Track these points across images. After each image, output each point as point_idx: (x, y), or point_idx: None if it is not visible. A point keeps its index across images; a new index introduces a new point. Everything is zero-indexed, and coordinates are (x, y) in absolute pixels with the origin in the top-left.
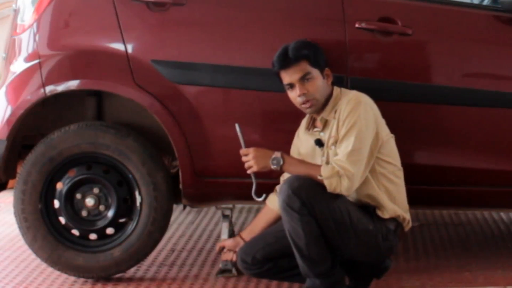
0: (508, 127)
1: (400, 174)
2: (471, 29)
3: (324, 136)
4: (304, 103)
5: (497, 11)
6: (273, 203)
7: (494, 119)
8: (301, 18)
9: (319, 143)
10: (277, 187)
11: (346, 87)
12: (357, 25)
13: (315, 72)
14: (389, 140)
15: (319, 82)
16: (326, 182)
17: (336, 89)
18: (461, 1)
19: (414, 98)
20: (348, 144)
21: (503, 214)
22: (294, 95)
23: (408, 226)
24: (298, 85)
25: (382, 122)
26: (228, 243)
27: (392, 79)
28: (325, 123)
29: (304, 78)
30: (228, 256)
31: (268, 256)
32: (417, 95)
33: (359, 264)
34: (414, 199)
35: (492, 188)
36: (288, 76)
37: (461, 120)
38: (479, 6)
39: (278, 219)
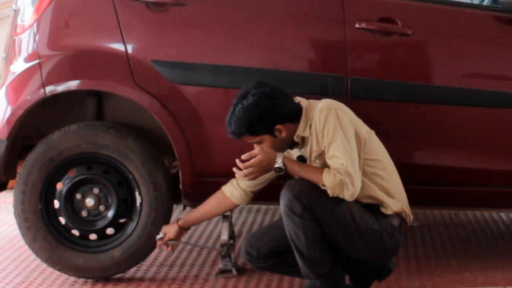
0: (508, 127)
1: (391, 167)
2: (471, 29)
3: (305, 152)
4: None
5: (497, 11)
6: (230, 192)
7: (494, 119)
8: (301, 18)
9: (302, 159)
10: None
11: (346, 87)
12: (357, 25)
13: (262, 137)
14: (370, 137)
15: (269, 143)
16: (329, 191)
17: (303, 103)
18: (461, 1)
19: (414, 98)
20: (338, 152)
21: (503, 214)
22: None
23: (410, 220)
24: (254, 146)
25: (358, 121)
26: (171, 233)
27: (392, 79)
28: (303, 140)
29: (255, 143)
30: (165, 245)
31: (274, 250)
32: (417, 95)
33: (362, 265)
34: (414, 199)
35: (492, 188)
36: None
37: (461, 120)
38: (479, 6)
39: (225, 210)
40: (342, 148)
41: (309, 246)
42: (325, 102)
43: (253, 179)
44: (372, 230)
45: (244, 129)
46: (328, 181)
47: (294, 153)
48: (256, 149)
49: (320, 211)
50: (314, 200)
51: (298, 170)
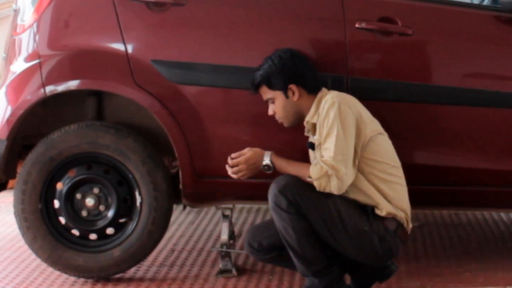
0: (508, 127)
1: (395, 171)
2: (471, 29)
3: (315, 140)
4: (277, 120)
5: (497, 11)
6: None
7: (494, 119)
8: (301, 18)
9: (312, 146)
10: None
11: (346, 87)
12: (357, 25)
13: (276, 94)
14: (375, 137)
15: (280, 103)
16: (315, 183)
17: (322, 92)
18: (461, 1)
19: (414, 98)
20: (331, 145)
21: (503, 215)
22: None
23: (409, 227)
24: (269, 106)
25: (366, 119)
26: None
27: (392, 79)
28: (313, 127)
29: (269, 101)
30: None
31: (275, 244)
32: (417, 95)
33: (362, 265)
34: (414, 199)
35: (492, 188)
36: None
37: (461, 120)
38: (479, 6)
39: None
40: (336, 141)
41: (299, 241)
42: (332, 95)
43: (242, 177)
44: (361, 231)
45: (262, 79)
46: (314, 173)
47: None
48: (243, 156)
49: (305, 205)
50: (299, 195)
51: (286, 167)
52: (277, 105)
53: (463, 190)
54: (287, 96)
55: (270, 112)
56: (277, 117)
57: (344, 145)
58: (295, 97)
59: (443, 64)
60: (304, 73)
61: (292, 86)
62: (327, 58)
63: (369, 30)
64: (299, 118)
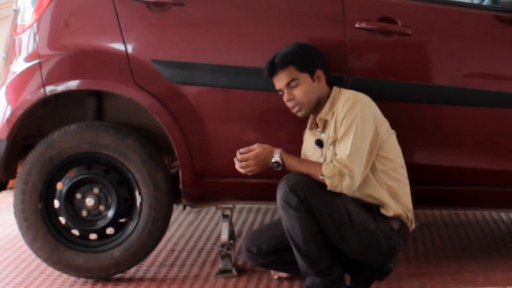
0: (508, 127)
1: (403, 171)
2: (471, 29)
3: (324, 137)
4: (293, 107)
5: (497, 11)
6: None
7: (494, 119)
8: (301, 18)
9: (319, 143)
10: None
11: (346, 87)
12: (357, 25)
13: (303, 77)
14: (389, 136)
15: (306, 86)
16: (327, 181)
17: (335, 89)
18: (461, 1)
19: (414, 98)
20: (347, 144)
21: (503, 214)
22: (284, 100)
23: (411, 226)
24: (286, 91)
25: (381, 119)
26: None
27: (392, 79)
28: (325, 124)
29: (290, 84)
30: None
31: (274, 247)
32: (417, 95)
33: (362, 264)
34: (414, 199)
35: (492, 188)
36: (276, 82)
37: (461, 120)
38: (479, 6)
39: None
40: (353, 141)
41: (306, 239)
42: (353, 94)
43: (251, 172)
44: (368, 229)
45: (295, 57)
46: (327, 171)
47: (312, 137)
48: (252, 151)
49: (315, 204)
50: (309, 193)
51: (296, 165)
52: (302, 89)
53: (463, 190)
54: (313, 80)
55: (288, 97)
56: (298, 101)
57: (360, 145)
58: (321, 82)
59: (443, 64)
60: (325, 63)
61: (319, 72)
62: (327, 58)
63: (369, 30)
64: (316, 107)
